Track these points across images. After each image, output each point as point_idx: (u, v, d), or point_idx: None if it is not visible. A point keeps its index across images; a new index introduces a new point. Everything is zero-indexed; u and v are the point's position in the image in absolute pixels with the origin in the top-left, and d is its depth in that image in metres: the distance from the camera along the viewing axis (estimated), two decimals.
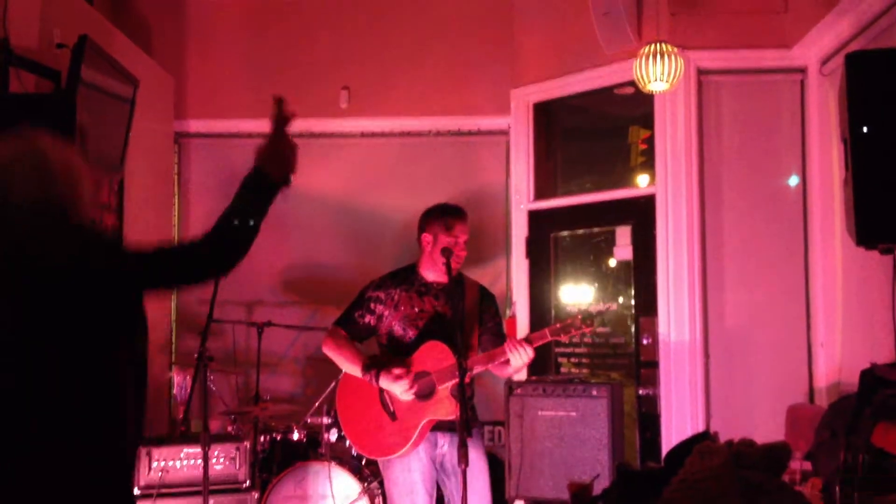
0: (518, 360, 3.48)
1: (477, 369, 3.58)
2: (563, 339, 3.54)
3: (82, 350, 2.27)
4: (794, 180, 5.12)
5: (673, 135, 5.22)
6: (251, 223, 2.43)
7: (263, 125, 6.74)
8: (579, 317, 3.49)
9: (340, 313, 3.86)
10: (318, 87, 6.26)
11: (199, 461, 4.19)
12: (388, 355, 3.72)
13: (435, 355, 3.58)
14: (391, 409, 3.63)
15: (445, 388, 3.55)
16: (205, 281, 2.60)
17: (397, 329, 3.72)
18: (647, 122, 5.48)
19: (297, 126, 6.80)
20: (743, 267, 5.16)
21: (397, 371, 3.58)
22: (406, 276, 3.82)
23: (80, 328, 2.27)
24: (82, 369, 2.27)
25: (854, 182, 2.71)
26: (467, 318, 3.77)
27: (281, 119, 2.49)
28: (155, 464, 4.53)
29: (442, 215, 3.77)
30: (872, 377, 3.55)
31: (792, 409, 4.62)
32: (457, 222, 3.75)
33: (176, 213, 6.27)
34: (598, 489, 2.83)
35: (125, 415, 2.37)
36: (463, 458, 3.22)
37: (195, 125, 6.30)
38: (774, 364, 5.07)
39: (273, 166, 2.45)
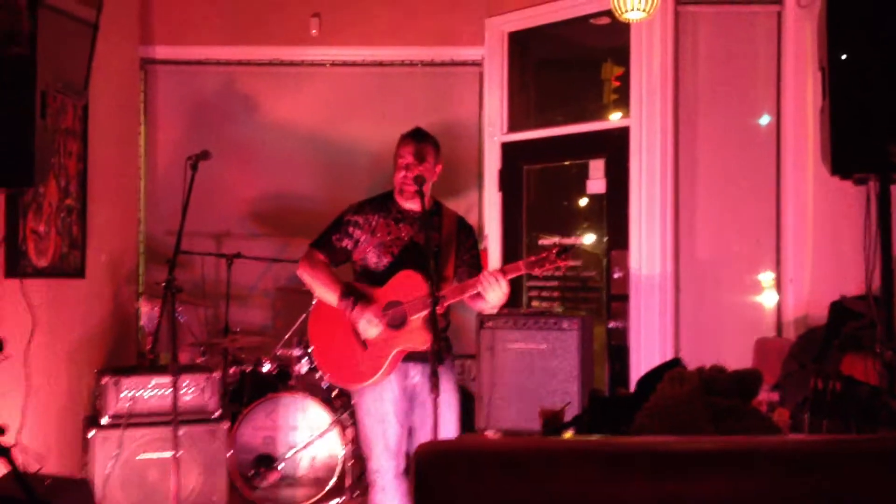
0: (492, 293, 3.43)
1: (450, 300, 3.54)
2: (537, 272, 3.48)
3: None
4: (765, 120, 5.10)
5: (648, 66, 5.17)
6: None
7: (232, 52, 6.60)
8: (554, 250, 3.42)
9: (318, 235, 3.80)
10: (287, 14, 6.14)
11: (169, 391, 4.16)
12: (363, 283, 3.68)
13: (408, 284, 3.54)
14: (362, 337, 3.60)
15: (418, 318, 3.51)
16: None
17: (372, 256, 3.68)
18: (623, 55, 5.42)
19: (265, 54, 6.69)
20: (715, 201, 5.16)
21: (373, 311, 3.55)
22: (384, 203, 3.76)
23: None
24: None
25: (831, 110, 2.68)
26: (443, 249, 3.73)
27: None
28: (123, 394, 4.50)
29: (400, 139, 3.75)
30: (841, 309, 3.59)
31: (760, 342, 4.67)
32: (402, 144, 3.71)
33: (143, 143, 6.15)
34: (568, 417, 2.85)
35: None
36: (434, 387, 3.21)
37: (162, 51, 6.14)
38: (744, 298, 5.11)
39: None
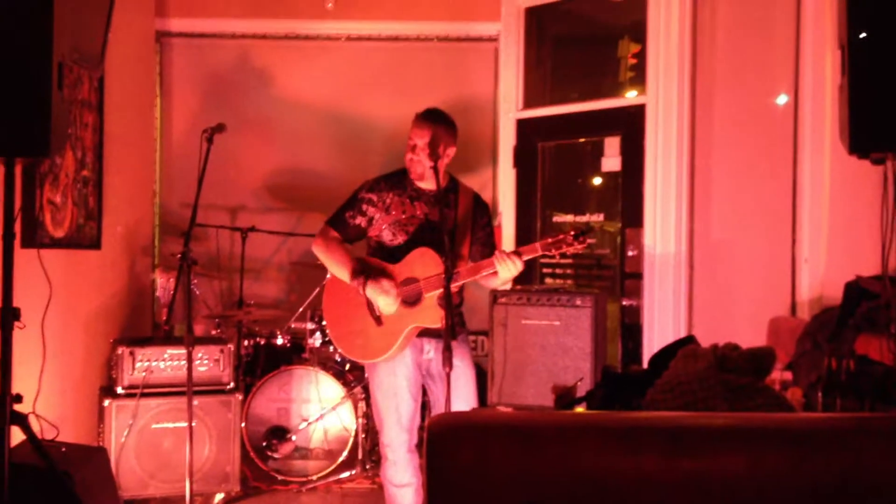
0: (506, 272, 3.43)
1: (465, 278, 3.53)
2: (554, 254, 3.47)
3: None
4: (782, 99, 5.06)
5: (666, 43, 5.13)
6: None
7: (248, 25, 6.58)
8: (571, 233, 3.40)
9: (333, 212, 3.80)
10: None
11: (183, 362, 4.20)
12: (378, 259, 3.69)
13: (424, 262, 3.54)
14: (377, 313, 3.61)
15: (432, 296, 3.51)
16: None
17: (387, 233, 3.67)
18: (639, 31, 5.38)
19: (281, 27, 6.67)
20: (731, 180, 5.13)
21: (386, 284, 3.55)
22: (399, 181, 3.74)
23: None
24: None
25: (850, 88, 2.65)
26: (459, 227, 3.71)
27: None
28: (139, 364, 4.54)
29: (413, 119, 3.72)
30: (857, 289, 3.57)
31: (774, 321, 4.65)
32: (412, 125, 3.68)
33: (158, 115, 6.16)
34: (581, 393, 2.86)
35: None
36: (447, 361, 3.22)
37: (177, 24, 6.13)
38: (758, 278, 5.09)
39: None
